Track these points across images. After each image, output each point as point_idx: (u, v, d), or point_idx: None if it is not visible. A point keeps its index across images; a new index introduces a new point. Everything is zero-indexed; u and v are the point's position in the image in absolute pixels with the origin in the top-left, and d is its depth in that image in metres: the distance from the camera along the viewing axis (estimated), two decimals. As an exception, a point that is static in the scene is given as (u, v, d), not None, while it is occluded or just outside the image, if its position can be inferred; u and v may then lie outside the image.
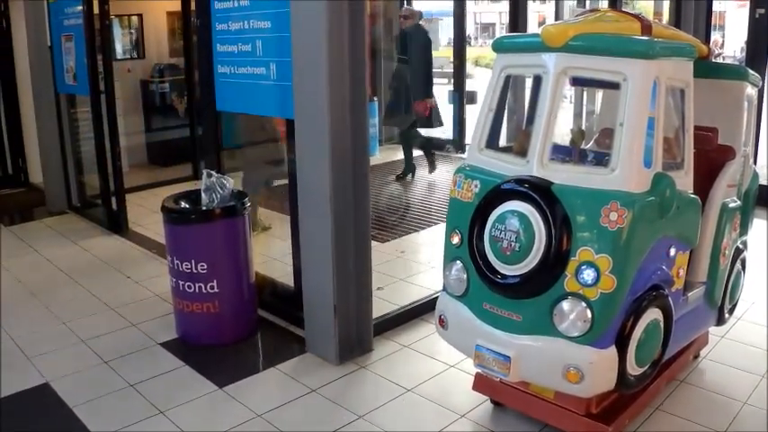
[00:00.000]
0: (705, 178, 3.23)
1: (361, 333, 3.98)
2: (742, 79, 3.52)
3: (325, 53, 3.52)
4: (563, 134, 3.14)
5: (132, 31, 9.36)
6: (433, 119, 8.22)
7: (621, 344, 2.69)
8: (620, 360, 2.70)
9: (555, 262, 2.67)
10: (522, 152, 2.90)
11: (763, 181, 4.26)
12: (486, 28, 40.12)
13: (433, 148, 8.58)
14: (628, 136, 2.64)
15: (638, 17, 3.06)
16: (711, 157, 3.32)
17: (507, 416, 3.33)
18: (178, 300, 4.15)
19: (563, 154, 3.09)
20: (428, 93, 8.05)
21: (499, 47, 3.09)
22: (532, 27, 8.66)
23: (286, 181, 4.21)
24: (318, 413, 3.42)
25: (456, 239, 3.04)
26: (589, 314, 2.63)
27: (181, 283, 4.06)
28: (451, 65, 11.10)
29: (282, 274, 4.63)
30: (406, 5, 8.15)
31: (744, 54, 9.80)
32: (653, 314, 2.80)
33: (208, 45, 4.54)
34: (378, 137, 9.65)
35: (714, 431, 3.20)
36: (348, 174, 3.73)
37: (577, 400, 2.94)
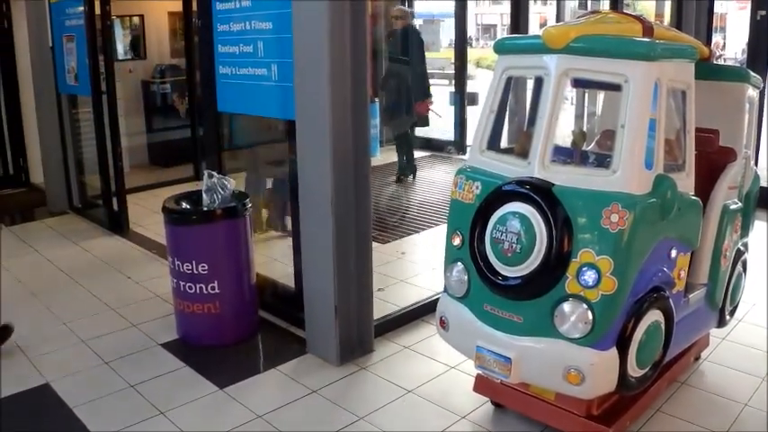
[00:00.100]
0: (706, 180, 3.23)
1: (361, 334, 3.98)
2: (743, 81, 3.52)
3: (327, 54, 3.52)
4: (564, 136, 3.14)
5: (130, 30, 9.34)
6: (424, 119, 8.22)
7: (622, 345, 2.69)
8: (621, 362, 2.70)
9: (556, 263, 2.67)
10: (523, 153, 2.90)
11: (764, 183, 4.26)
12: (488, 29, 40.14)
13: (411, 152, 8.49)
14: (629, 137, 2.64)
15: (639, 19, 3.06)
16: (712, 159, 3.32)
17: (508, 417, 3.33)
18: (179, 300, 4.15)
19: (564, 155, 3.09)
20: (426, 93, 8.05)
21: (501, 48, 3.10)
22: (534, 29, 8.66)
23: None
24: (319, 414, 3.42)
25: (457, 241, 3.04)
26: (590, 316, 2.63)
27: (182, 283, 4.06)
28: (453, 66, 11.12)
29: (283, 274, 4.63)
30: (398, 6, 8.08)
31: (745, 56, 9.81)
32: (654, 316, 2.79)
33: (209, 46, 4.54)
34: (379, 138, 9.65)
35: (715, 433, 3.20)
36: (349, 174, 3.73)
37: (578, 402, 2.94)
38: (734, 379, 3.67)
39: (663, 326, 2.87)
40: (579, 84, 3.38)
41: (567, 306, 2.67)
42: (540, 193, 2.71)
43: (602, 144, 3.40)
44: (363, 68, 3.68)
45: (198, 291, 4.02)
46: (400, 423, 3.33)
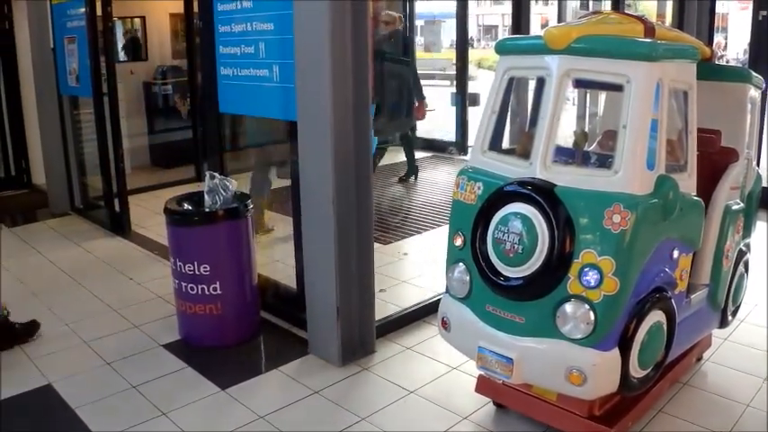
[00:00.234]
0: (708, 180, 3.23)
1: (363, 335, 3.98)
2: (745, 81, 3.51)
3: (328, 54, 3.52)
4: (566, 136, 3.13)
5: (130, 31, 9.36)
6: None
7: (624, 346, 2.69)
8: (623, 362, 2.70)
9: (558, 264, 2.67)
10: (525, 154, 2.90)
11: (766, 183, 4.25)
12: (489, 30, 40.19)
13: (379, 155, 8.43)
14: (631, 138, 2.64)
15: (640, 19, 3.06)
16: (714, 160, 3.32)
17: (510, 418, 3.32)
18: (181, 301, 4.15)
19: (566, 156, 3.09)
20: (420, 96, 7.99)
21: (502, 49, 3.10)
22: (535, 29, 8.66)
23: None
24: (321, 415, 3.42)
25: (459, 241, 3.04)
26: (592, 316, 2.63)
27: (183, 284, 4.06)
28: (454, 67, 11.12)
29: (285, 275, 4.63)
30: (386, 11, 7.97)
31: (746, 56, 9.80)
32: (656, 316, 2.79)
33: (210, 47, 4.55)
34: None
35: (717, 434, 3.20)
36: (351, 175, 3.73)
37: (580, 403, 2.94)
38: (736, 380, 3.67)
39: (665, 326, 2.86)
40: (581, 84, 3.38)
41: (568, 307, 2.67)
42: (542, 194, 2.71)
43: (604, 144, 3.40)
44: (365, 69, 3.68)
45: (200, 292, 4.02)
46: (402, 424, 3.33)
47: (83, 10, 6.25)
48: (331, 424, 3.33)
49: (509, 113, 3.15)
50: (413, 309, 4.48)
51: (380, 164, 8.66)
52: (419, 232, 6.41)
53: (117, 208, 6.54)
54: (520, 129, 4.94)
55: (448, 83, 15.70)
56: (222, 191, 4.07)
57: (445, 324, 3.15)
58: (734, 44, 20.68)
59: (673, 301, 2.87)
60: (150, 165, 9.19)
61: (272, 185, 6.00)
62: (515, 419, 3.29)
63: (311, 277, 3.97)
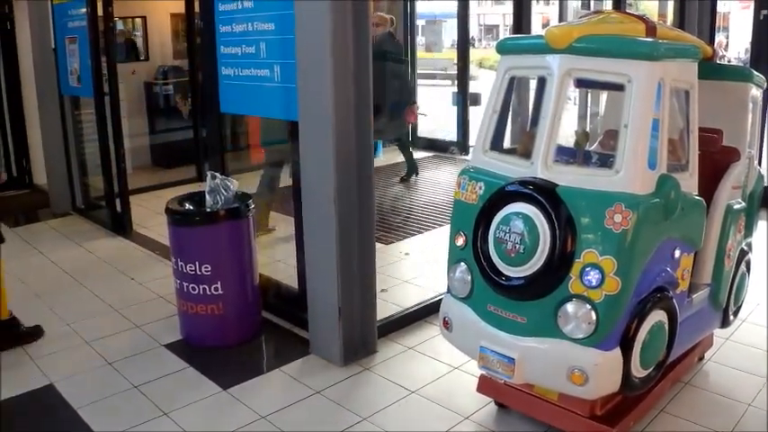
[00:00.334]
0: (710, 180, 3.23)
1: (365, 335, 3.98)
2: (746, 80, 3.51)
3: (329, 54, 3.52)
4: (567, 136, 3.13)
5: (124, 32, 9.34)
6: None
7: (626, 346, 2.69)
8: (625, 362, 2.70)
9: (559, 264, 2.67)
10: (526, 154, 2.90)
11: (767, 182, 4.25)
12: (490, 29, 40.18)
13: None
14: (632, 137, 2.64)
15: (642, 18, 3.05)
16: (716, 159, 3.31)
17: (511, 418, 3.32)
18: (182, 301, 4.15)
19: (567, 155, 3.09)
20: (411, 99, 7.91)
21: (503, 48, 3.09)
22: (536, 29, 8.65)
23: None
24: (322, 415, 3.43)
25: (460, 241, 3.04)
26: (594, 316, 2.63)
27: (185, 284, 4.07)
28: (455, 67, 11.10)
29: (286, 275, 4.63)
30: (377, 12, 7.88)
31: (748, 55, 9.80)
32: (657, 316, 2.79)
33: (211, 47, 4.55)
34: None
35: (719, 433, 3.20)
36: (352, 175, 3.73)
37: (582, 402, 2.93)
38: (738, 379, 3.66)
39: (666, 326, 2.86)
40: (582, 84, 3.38)
41: (570, 306, 2.67)
42: (544, 194, 2.71)
43: (606, 144, 3.39)
44: (366, 69, 3.68)
45: (201, 292, 4.03)
46: (404, 424, 3.33)
47: (84, 10, 6.25)
48: (332, 424, 3.33)
49: (510, 113, 3.15)
50: (414, 309, 4.48)
51: (381, 164, 8.66)
52: (421, 232, 6.40)
53: (118, 208, 6.54)
54: (521, 128, 4.92)
55: (449, 83, 15.68)
56: (223, 191, 4.07)
57: (447, 324, 3.15)
58: (735, 43, 20.66)
59: (674, 300, 2.87)
60: (151, 165, 9.19)
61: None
62: (517, 419, 3.29)
63: (313, 277, 3.96)
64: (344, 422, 3.34)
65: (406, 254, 5.85)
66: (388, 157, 9.36)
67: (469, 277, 2.99)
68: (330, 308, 3.82)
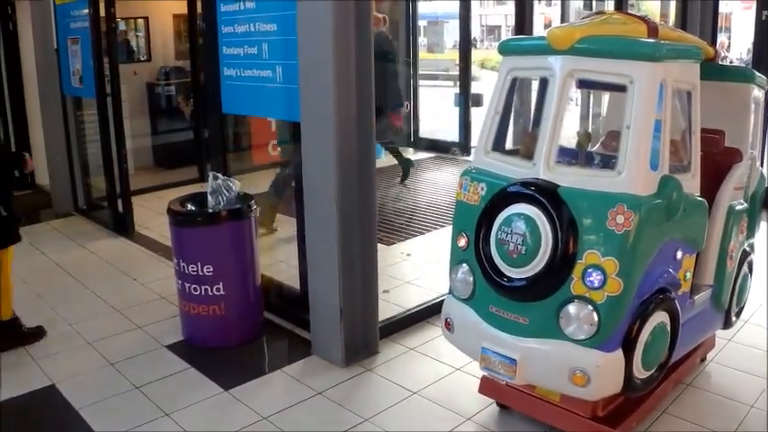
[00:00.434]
0: (712, 181, 3.22)
1: (366, 336, 3.98)
2: (748, 81, 3.51)
3: (331, 55, 3.52)
4: (569, 137, 3.13)
5: (121, 33, 9.32)
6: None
7: (628, 347, 2.69)
8: (627, 363, 2.69)
9: (561, 265, 2.67)
10: (528, 155, 2.90)
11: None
12: (492, 30, 40.15)
13: None
14: (634, 138, 2.64)
15: (644, 19, 3.05)
16: (718, 160, 3.31)
17: (513, 419, 3.32)
18: (184, 302, 4.16)
19: (569, 157, 3.09)
20: (399, 102, 7.87)
21: (505, 49, 3.09)
22: (538, 29, 8.64)
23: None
24: (324, 415, 3.42)
25: (462, 242, 3.04)
26: (596, 317, 2.62)
27: (187, 285, 4.07)
28: (457, 67, 11.10)
29: (288, 276, 4.63)
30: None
31: (750, 56, 9.79)
32: (660, 317, 2.79)
33: (214, 48, 4.55)
34: (382, 139, 9.60)
35: (721, 435, 3.19)
36: (354, 176, 3.73)
37: (584, 404, 2.93)
38: (740, 380, 3.66)
39: (668, 327, 2.86)
40: (584, 85, 3.37)
41: (572, 307, 2.66)
42: (546, 195, 2.70)
43: (608, 145, 3.39)
44: (368, 69, 3.68)
45: (203, 292, 4.03)
46: (405, 425, 3.33)
47: (86, 11, 6.26)
48: (334, 425, 3.33)
49: (512, 114, 3.15)
50: (416, 310, 4.47)
51: (384, 165, 8.64)
52: (422, 233, 6.40)
53: (120, 209, 6.54)
54: (523, 129, 4.92)
55: (451, 83, 15.66)
56: (225, 191, 4.08)
57: (448, 325, 3.15)
58: (737, 44, 20.63)
59: (676, 301, 2.86)
60: (153, 165, 9.18)
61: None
62: (519, 420, 3.29)
63: (314, 278, 3.96)
64: (346, 423, 3.34)
65: (408, 255, 5.85)
66: (389, 157, 9.34)
67: (471, 278, 2.98)
68: (332, 309, 3.82)
